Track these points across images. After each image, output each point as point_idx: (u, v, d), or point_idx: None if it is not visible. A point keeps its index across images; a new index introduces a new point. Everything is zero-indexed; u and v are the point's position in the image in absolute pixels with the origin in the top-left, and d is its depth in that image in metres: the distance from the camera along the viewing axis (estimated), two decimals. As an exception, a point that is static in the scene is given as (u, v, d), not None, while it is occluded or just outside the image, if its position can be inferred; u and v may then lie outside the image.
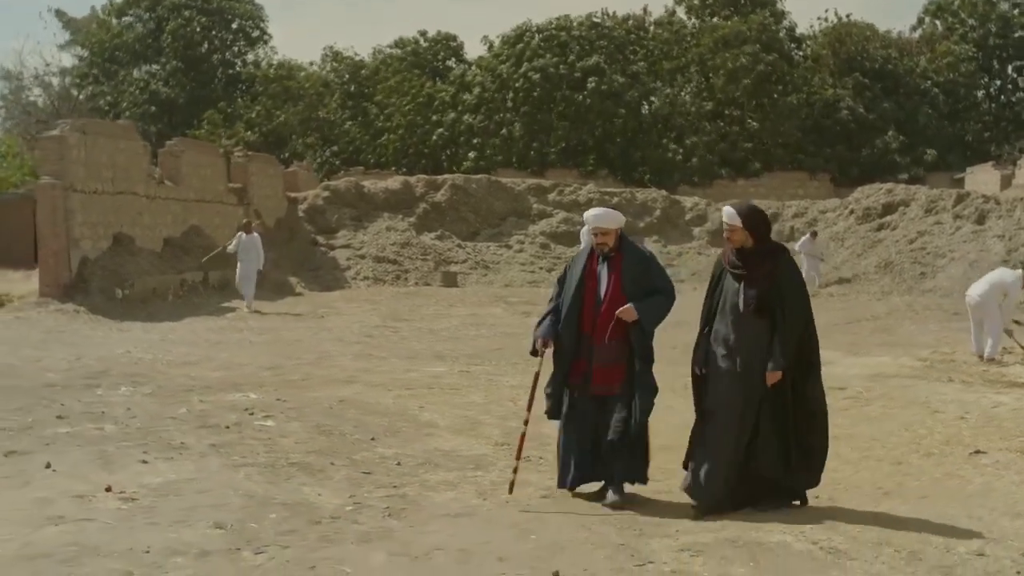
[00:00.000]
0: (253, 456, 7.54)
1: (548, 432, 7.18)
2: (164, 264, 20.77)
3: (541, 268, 29.18)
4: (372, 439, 8.25)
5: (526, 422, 6.44)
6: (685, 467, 6.39)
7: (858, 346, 15.38)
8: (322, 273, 27.51)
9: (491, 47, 43.81)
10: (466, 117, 41.51)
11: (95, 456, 7.37)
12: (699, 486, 6.17)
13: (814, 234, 27.20)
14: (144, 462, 7.25)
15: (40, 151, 18.05)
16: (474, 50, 60.80)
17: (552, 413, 6.50)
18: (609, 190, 32.98)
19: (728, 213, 6.34)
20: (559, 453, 6.54)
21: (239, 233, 20.18)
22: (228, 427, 8.60)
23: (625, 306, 6.29)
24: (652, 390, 6.39)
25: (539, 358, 6.48)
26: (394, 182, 32.02)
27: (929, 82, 42.91)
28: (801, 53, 44.74)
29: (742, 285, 6.16)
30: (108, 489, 6.42)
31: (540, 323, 6.58)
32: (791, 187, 37.99)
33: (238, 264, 19.89)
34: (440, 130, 41.73)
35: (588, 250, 6.61)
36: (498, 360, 13.32)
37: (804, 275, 26.57)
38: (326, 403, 9.87)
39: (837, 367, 12.79)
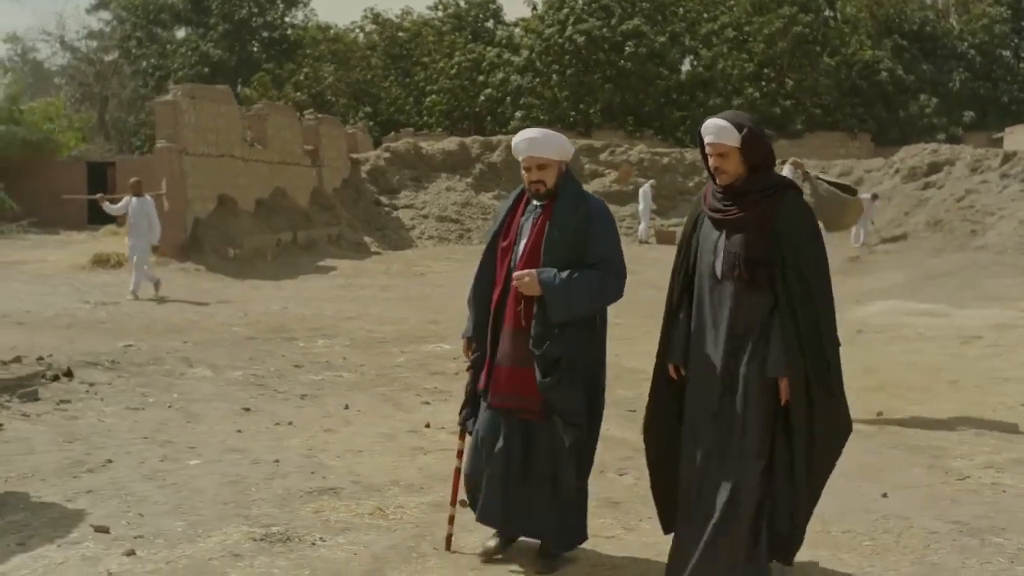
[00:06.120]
0: (515, 398, 8.35)
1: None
2: (260, 224, 21.48)
3: (597, 227, 29.94)
4: (602, 383, 9.06)
5: (460, 453, 4.70)
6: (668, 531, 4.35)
7: (955, 300, 16.22)
8: (388, 233, 28.26)
9: (535, 8, 44.35)
10: (514, 78, 42.11)
11: (380, 399, 8.18)
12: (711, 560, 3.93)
13: (875, 196, 27.88)
14: (426, 403, 8.07)
15: (156, 116, 18.64)
16: (512, 11, 60.40)
17: (462, 422, 4.62)
18: (659, 150, 33.63)
19: (715, 127, 3.96)
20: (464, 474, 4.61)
21: (129, 196, 15.30)
22: (456, 374, 9.42)
23: (524, 271, 4.24)
24: (578, 421, 4.35)
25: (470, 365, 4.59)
26: (450, 143, 32.63)
27: (966, 44, 43.57)
28: (833, 15, 45.24)
29: (721, 236, 3.99)
30: (427, 426, 7.23)
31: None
32: (833, 147, 38.65)
33: (128, 235, 15.46)
34: (488, 91, 42.33)
35: (518, 193, 4.53)
36: (633, 313, 14.10)
37: (852, 235, 26.29)
38: (522, 353, 10.67)
39: (956, 319, 13.73)
